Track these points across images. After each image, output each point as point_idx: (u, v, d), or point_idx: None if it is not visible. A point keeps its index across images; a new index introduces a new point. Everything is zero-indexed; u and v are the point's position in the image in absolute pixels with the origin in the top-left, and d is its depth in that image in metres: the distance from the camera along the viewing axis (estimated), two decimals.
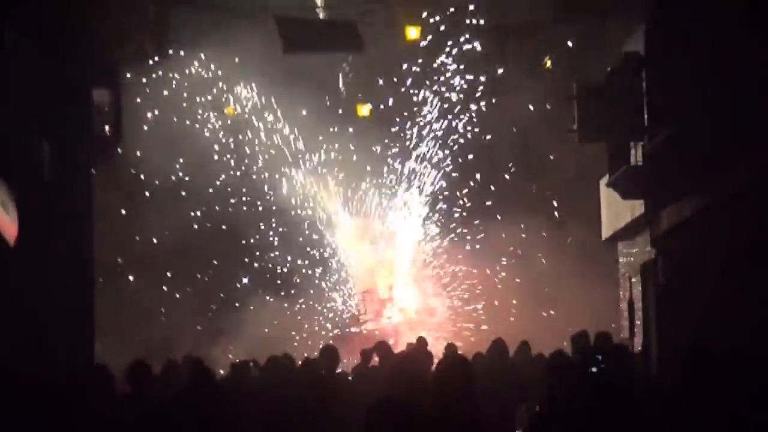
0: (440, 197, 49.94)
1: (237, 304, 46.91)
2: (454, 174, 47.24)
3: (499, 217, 47.95)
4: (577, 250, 40.21)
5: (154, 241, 43.57)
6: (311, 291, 47.50)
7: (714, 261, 20.71)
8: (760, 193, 18.43)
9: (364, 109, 45.84)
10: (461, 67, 46.01)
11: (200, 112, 44.85)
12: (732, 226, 19.67)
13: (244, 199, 46.65)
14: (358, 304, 46.27)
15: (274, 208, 47.48)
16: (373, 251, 50.52)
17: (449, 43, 44.02)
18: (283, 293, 47.37)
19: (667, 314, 24.31)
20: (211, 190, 45.81)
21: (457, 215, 48.66)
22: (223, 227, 46.72)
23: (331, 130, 45.47)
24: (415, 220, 51.04)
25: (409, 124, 48.97)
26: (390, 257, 50.11)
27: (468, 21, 38.39)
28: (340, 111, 45.91)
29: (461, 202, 49.57)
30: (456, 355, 21.39)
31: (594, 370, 15.42)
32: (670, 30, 23.82)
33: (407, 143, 49.73)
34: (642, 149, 26.21)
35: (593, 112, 27.57)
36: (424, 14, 31.69)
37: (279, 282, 46.86)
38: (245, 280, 49.78)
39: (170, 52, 32.52)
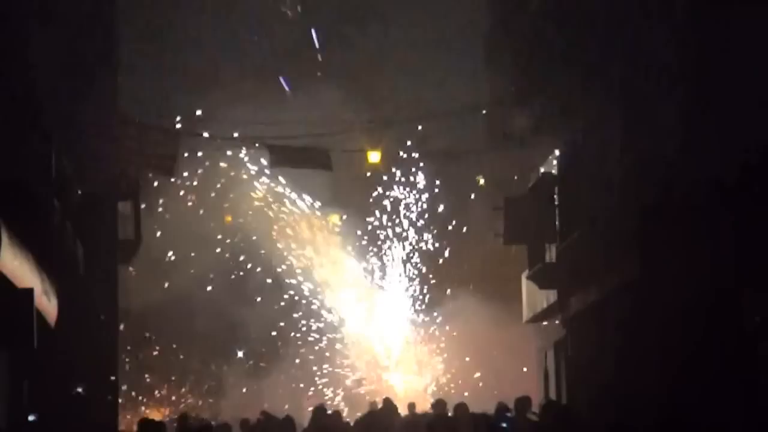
0: (411, 293, 48.47)
1: None
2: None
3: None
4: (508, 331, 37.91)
5: None
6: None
7: (609, 338, 21.20)
8: (632, 290, 19.29)
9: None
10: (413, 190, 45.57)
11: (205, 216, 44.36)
12: (617, 314, 20.47)
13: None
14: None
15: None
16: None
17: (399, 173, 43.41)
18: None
19: (573, 380, 24.79)
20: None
21: (430, 317, 47.52)
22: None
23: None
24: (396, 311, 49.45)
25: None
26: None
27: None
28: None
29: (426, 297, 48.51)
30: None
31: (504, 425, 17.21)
32: (575, 157, 24.44)
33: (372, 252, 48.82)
34: (555, 249, 26.32)
35: (516, 220, 27.86)
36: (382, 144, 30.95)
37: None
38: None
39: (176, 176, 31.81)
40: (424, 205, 46.29)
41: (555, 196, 26.02)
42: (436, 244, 46.42)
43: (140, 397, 40.90)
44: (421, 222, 48.07)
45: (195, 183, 42.28)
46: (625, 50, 20.15)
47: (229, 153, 38.96)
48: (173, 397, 47.59)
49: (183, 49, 45.23)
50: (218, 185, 43.29)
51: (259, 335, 50.98)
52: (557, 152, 25.63)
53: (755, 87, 17.33)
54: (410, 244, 48.46)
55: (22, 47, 19.20)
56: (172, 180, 33.51)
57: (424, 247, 47.82)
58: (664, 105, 18.40)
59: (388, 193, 47.11)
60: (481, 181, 40.50)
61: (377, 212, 47.38)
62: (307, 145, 26.94)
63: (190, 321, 47.83)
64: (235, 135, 31.38)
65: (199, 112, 39.02)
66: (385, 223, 47.65)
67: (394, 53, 45.51)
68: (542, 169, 27.10)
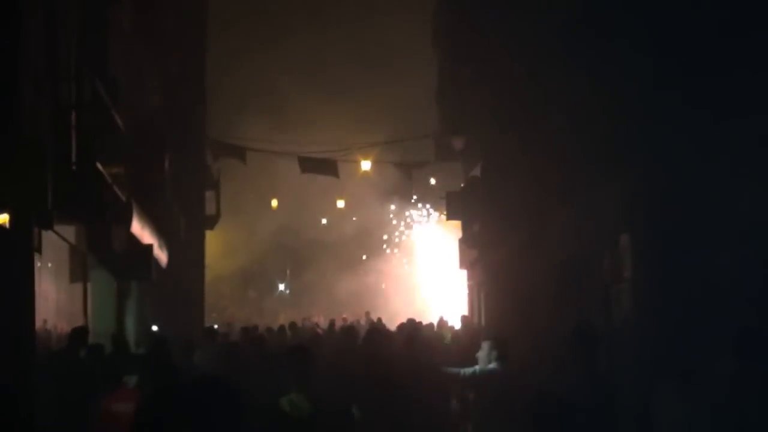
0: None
1: None
2: None
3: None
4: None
5: None
6: None
7: (510, 282, 19.39)
8: (524, 250, 17.73)
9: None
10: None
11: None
12: (514, 266, 18.73)
13: None
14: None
15: None
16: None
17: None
18: None
19: (489, 307, 23.26)
20: None
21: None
22: None
23: None
24: None
25: None
26: None
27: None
28: None
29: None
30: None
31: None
32: (491, 166, 22.77)
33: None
34: (478, 224, 24.71)
35: (454, 206, 26.41)
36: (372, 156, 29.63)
37: None
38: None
39: None
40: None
41: (478, 191, 24.57)
42: None
43: (213, 314, 39.79)
44: (393, 206, 47.35)
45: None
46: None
47: None
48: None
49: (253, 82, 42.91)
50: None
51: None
52: (480, 163, 24.40)
53: None
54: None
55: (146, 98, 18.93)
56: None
57: None
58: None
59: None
60: (433, 181, 39.43)
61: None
62: (324, 158, 26.18)
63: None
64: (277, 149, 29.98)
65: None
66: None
67: (376, 97, 43.27)
68: (471, 174, 26.04)
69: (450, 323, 22.49)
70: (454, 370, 9.63)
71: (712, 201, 8.87)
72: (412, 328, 16.39)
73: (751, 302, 7.85)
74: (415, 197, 44.77)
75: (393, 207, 47.20)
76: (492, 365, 9.17)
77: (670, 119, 9.78)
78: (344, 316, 31.42)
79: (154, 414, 3.78)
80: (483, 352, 9.43)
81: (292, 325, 20.70)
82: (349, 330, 14.25)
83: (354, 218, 48.81)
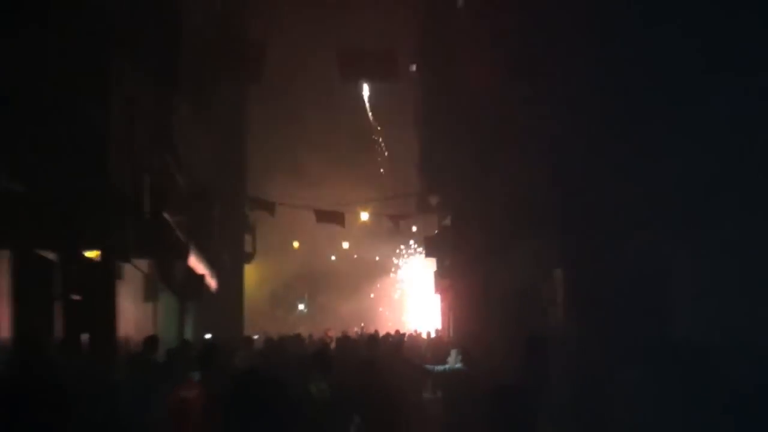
0: None
1: None
2: None
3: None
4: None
5: None
6: None
7: (473, 302, 18.51)
8: (483, 279, 17.10)
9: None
10: None
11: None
12: (475, 290, 17.88)
13: None
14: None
15: None
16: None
17: None
18: None
19: (455, 320, 22.44)
20: None
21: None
22: None
23: None
24: None
25: None
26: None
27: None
28: None
29: None
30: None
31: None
32: (459, 219, 21.88)
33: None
34: (449, 260, 23.69)
35: (431, 247, 25.63)
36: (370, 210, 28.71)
37: None
38: None
39: None
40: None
41: (449, 236, 23.59)
42: None
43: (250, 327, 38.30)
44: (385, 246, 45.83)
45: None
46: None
47: None
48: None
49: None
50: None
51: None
52: (450, 215, 23.79)
53: None
54: None
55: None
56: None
57: None
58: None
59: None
60: (414, 228, 38.77)
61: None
62: (333, 211, 25.42)
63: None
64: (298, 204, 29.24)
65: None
66: None
67: (373, 164, 43.05)
68: (443, 223, 25.29)
69: (424, 334, 21.90)
70: (430, 366, 9.76)
71: (616, 249, 8.70)
72: (400, 336, 16.26)
73: (649, 313, 7.74)
74: (402, 246, 44.36)
75: (385, 247, 46.36)
76: (458, 365, 9.19)
77: (574, 194, 9.62)
78: (355, 329, 30.92)
79: (232, 394, 4.15)
80: (451, 357, 9.49)
81: (309, 336, 20.33)
82: (348, 339, 14.43)
83: (355, 256, 48.35)
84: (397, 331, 18.77)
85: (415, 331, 22.79)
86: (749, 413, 5.28)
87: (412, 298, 43.04)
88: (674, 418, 6.15)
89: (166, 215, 12.31)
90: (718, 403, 5.61)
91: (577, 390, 8.25)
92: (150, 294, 13.98)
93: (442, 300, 27.24)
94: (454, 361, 9.34)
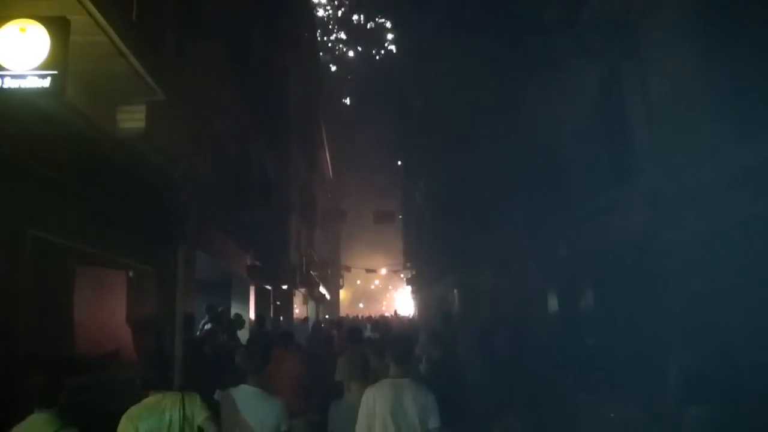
0: None
1: None
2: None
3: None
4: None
5: None
6: None
7: (439, 314, 15.61)
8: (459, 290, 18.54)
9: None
10: None
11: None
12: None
13: None
14: None
15: None
16: None
17: None
18: None
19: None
20: None
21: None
22: None
23: None
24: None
25: None
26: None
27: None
28: None
29: None
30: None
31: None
32: (419, 276, 26.68)
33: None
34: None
35: (411, 282, 32.76)
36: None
37: None
38: None
39: None
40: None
41: (418, 281, 29.03)
42: None
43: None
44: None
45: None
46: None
47: None
48: None
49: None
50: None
51: None
52: (415, 271, 28.90)
53: None
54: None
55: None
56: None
57: None
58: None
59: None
60: (402, 275, 40.28)
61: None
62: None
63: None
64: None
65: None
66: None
67: (371, 236, 47.42)
68: (413, 274, 31.37)
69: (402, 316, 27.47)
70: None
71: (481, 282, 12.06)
72: (393, 316, 24.10)
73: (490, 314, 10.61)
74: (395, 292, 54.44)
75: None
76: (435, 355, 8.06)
77: (518, 241, 11.66)
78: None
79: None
80: (423, 335, 10.18)
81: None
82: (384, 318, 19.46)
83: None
84: (396, 312, 26.62)
85: (395, 312, 30.04)
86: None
87: (400, 300, 50.60)
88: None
89: (312, 272, 22.56)
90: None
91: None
92: (305, 301, 21.79)
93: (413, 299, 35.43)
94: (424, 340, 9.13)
